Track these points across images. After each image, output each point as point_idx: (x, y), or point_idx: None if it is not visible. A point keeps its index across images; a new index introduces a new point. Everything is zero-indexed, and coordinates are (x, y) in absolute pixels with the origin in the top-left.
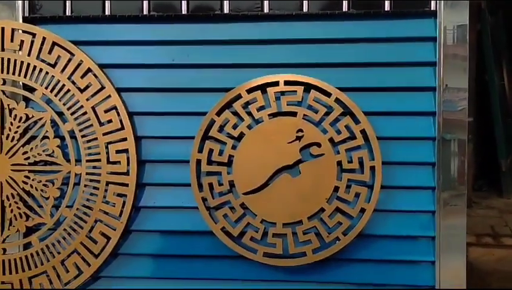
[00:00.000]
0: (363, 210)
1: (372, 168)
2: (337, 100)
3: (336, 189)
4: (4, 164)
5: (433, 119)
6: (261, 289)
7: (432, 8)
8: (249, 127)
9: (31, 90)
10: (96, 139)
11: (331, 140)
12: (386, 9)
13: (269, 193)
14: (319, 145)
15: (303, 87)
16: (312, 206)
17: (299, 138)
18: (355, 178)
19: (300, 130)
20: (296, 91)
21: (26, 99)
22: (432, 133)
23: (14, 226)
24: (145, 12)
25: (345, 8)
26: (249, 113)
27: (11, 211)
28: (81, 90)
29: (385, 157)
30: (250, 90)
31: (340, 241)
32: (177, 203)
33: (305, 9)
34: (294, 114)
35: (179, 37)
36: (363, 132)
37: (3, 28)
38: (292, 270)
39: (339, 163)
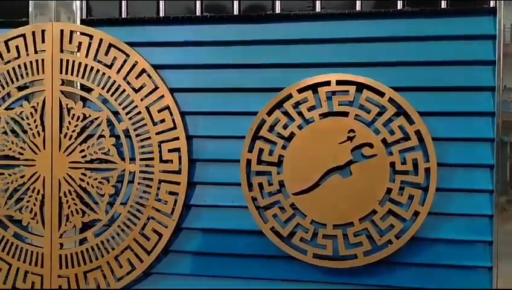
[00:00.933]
0: (416, 213)
1: (427, 170)
2: (391, 100)
3: (389, 191)
4: (62, 161)
5: (491, 120)
6: (310, 289)
7: (491, 6)
8: (300, 127)
9: (88, 90)
10: (149, 138)
11: (383, 141)
12: (442, 7)
13: (319, 194)
14: (371, 145)
15: (355, 86)
16: (363, 208)
17: (350, 139)
18: (409, 180)
19: (352, 131)
20: (348, 91)
21: (84, 99)
22: (490, 135)
23: (71, 222)
24: (198, 13)
25: (399, 6)
26: (300, 113)
27: (68, 207)
28: (136, 91)
29: (440, 159)
30: (301, 90)
31: (392, 245)
32: (227, 202)
33: (358, 8)
34: (345, 114)
35: (231, 37)
36: (417, 132)
37: (62, 30)
38: (342, 272)
39: (392, 164)
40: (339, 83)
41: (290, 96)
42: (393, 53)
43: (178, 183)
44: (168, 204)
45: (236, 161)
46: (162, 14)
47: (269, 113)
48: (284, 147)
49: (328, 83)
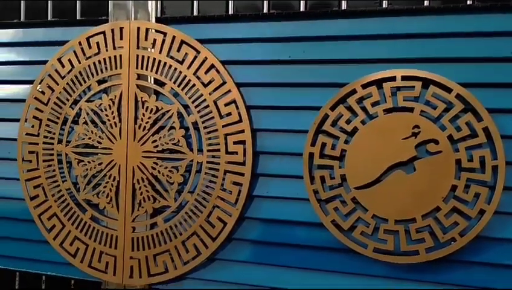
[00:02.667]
0: (482, 211)
1: (494, 168)
2: (458, 96)
3: (454, 188)
4: (136, 150)
5: None
6: None
7: None
8: (363, 122)
9: (161, 84)
10: (216, 130)
11: (449, 137)
12: None
13: (382, 189)
14: (436, 142)
15: (421, 82)
16: (427, 205)
17: (415, 134)
18: (475, 178)
19: (417, 126)
20: (413, 86)
21: (157, 93)
22: None
23: (143, 207)
24: (265, 10)
25: (469, 1)
26: (363, 108)
27: (141, 193)
28: (205, 85)
29: (509, 157)
30: (365, 86)
31: (456, 242)
32: (289, 194)
33: (425, 3)
34: (410, 110)
35: (296, 33)
36: (485, 129)
37: (138, 28)
38: (403, 268)
39: (458, 161)
40: (404, 78)
41: (354, 91)
42: (462, 49)
43: (242, 174)
44: (233, 194)
45: (298, 155)
46: (231, 12)
47: (333, 108)
48: (346, 142)
49: (393, 79)
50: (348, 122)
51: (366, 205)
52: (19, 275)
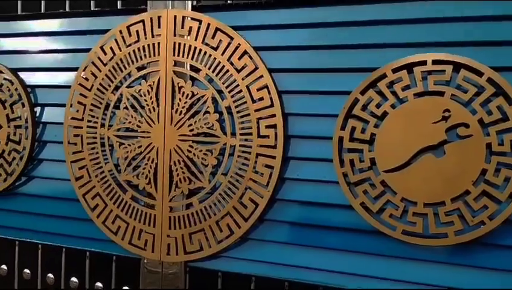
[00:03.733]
0: None
1: None
2: (490, 80)
3: (484, 172)
4: (173, 134)
5: None
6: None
7: None
8: (393, 106)
9: (197, 70)
10: (249, 114)
11: (480, 121)
12: None
13: (411, 172)
14: (466, 126)
15: (452, 66)
16: (456, 188)
17: (445, 118)
18: (506, 161)
19: (447, 110)
20: (444, 70)
21: (192, 79)
22: None
23: (179, 188)
24: None
25: None
26: (394, 93)
27: (177, 175)
28: (238, 71)
29: None
30: (395, 70)
31: (485, 226)
32: (319, 177)
33: None
34: (441, 94)
35: (327, 19)
36: None
37: (175, 16)
38: (431, 250)
39: (488, 145)
40: (435, 62)
41: (384, 75)
42: (493, 32)
43: (274, 157)
44: (264, 176)
45: (328, 138)
46: None
47: (363, 93)
48: (376, 126)
49: (424, 63)
50: (378, 106)
51: (395, 188)
52: (64, 251)
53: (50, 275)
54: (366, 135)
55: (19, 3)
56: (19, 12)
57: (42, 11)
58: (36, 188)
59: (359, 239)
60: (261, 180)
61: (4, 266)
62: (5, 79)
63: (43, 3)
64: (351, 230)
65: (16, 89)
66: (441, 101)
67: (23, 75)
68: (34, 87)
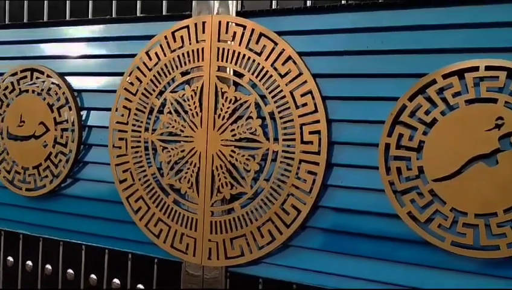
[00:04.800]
0: None
1: None
2: None
3: None
4: (216, 139)
5: None
6: None
7: None
8: (443, 113)
9: (240, 76)
10: (292, 120)
11: None
12: None
13: (461, 181)
14: None
15: (506, 72)
16: (509, 199)
17: (498, 126)
18: None
19: (500, 118)
20: (497, 77)
21: (236, 84)
22: None
23: (221, 193)
24: (343, 1)
25: None
26: (444, 99)
27: (219, 179)
28: (282, 76)
29: None
30: (446, 76)
31: None
32: (363, 185)
33: None
34: (494, 101)
35: (374, 24)
36: None
37: (220, 22)
38: (482, 262)
39: None
40: (488, 68)
41: (433, 81)
42: None
43: (317, 164)
44: (307, 183)
45: (374, 145)
46: (309, 4)
47: (411, 99)
48: (424, 133)
49: (476, 69)
50: (427, 113)
51: (444, 197)
52: (107, 252)
53: (93, 276)
54: (414, 143)
55: (67, 9)
56: (67, 18)
57: (89, 17)
58: (81, 190)
59: (405, 249)
60: (304, 187)
61: (49, 266)
62: (53, 83)
63: (90, 9)
64: (396, 240)
65: (64, 93)
66: (493, 109)
67: (70, 79)
68: (80, 91)
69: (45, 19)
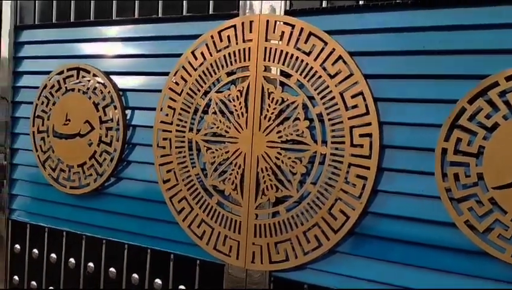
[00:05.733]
0: None
1: None
2: None
3: None
4: (261, 140)
5: None
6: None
7: None
8: (505, 117)
9: (287, 76)
10: (341, 122)
11: None
12: None
13: None
14: None
15: None
16: None
17: None
18: None
19: None
20: None
21: (282, 84)
22: None
23: (266, 195)
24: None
25: None
26: (506, 103)
27: (264, 182)
28: (331, 77)
29: None
30: (509, 78)
31: None
32: (417, 191)
33: None
34: None
35: (431, 23)
36: None
37: (267, 21)
38: None
39: None
40: None
41: (496, 84)
42: None
43: (367, 168)
44: (357, 187)
45: (428, 150)
46: (361, 2)
47: (471, 102)
48: (485, 138)
49: None
50: (488, 117)
51: (505, 206)
52: (150, 252)
53: (135, 275)
54: (473, 148)
55: (114, 9)
56: (114, 17)
57: (136, 17)
58: (124, 189)
59: (461, 260)
60: (353, 192)
61: (91, 264)
62: (98, 82)
63: (136, 9)
64: (452, 250)
65: (109, 92)
66: None
67: (115, 78)
68: (125, 90)
69: (91, 18)
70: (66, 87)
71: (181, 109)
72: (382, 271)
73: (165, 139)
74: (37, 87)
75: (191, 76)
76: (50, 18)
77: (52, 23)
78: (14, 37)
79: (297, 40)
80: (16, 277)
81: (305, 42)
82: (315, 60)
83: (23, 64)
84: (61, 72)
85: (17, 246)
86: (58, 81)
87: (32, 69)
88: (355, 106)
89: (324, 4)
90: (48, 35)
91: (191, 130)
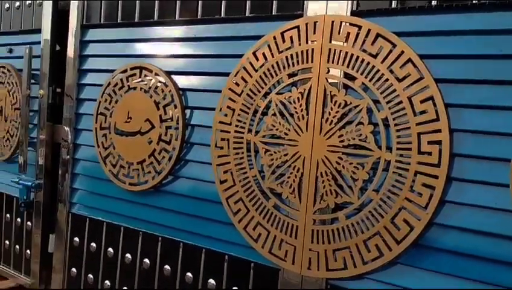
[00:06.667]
0: None
1: None
2: None
3: None
4: (322, 144)
5: None
6: None
7: None
8: None
9: (351, 78)
10: (408, 128)
11: None
12: None
13: None
14: None
15: None
16: None
17: None
18: None
19: None
20: None
21: (346, 87)
22: None
23: (325, 201)
24: (474, 1)
25: None
26: None
27: (324, 187)
28: (399, 80)
29: None
30: None
31: None
32: (489, 203)
33: None
34: None
35: (510, 25)
36: None
37: (333, 22)
38: None
39: None
40: None
41: None
42: None
43: (435, 177)
44: (423, 197)
45: (502, 160)
46: (434, 2)
47: None
48: None
49: None
50: None
51: None
52: (204, 251)
53: (189, 274)
54: None
55: (177, 9)
56: (177, 18)
57: (198, 17)
58: (181, 187)
59: None
60: (419, 201)
61: (146, 260)
62: (160, 81)
63: (200, 9)
64: None
65: (170, 91)
66: None
67: (176, 78)
68: (185, 90)
69: (155, 18)
70: (128, 86)
71: (240, 109)
72: (446, 286)
73: (223, 139)
74: (100, 85)
75: (251, 77)
76: (115, 18)
77: (117, 23)
78: (80, 36)
79: (364, 41)
80: (73, 269)
81: (372, 44)
82: (382, 62)
83: (88, 63)
84: (125, 71)
85: (76, 239)
86: (121, 80)
87: (96, 67)
88: (424, 112)
89: (393, 4)
90: (113, 35)
91: (249, 131)
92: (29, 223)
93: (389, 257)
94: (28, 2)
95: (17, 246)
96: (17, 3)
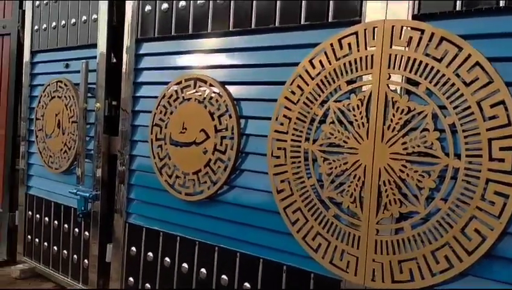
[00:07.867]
0: None
1: None
2: None
3: None
4: (384, 152)
5: None
6: None
7: None
8: None
9: (414, 84)
10: (478, 134)
11: None
12: None
13: None
14: None
15: None
16: None
17: None
18: None
19: None
20: None
21: (408, 93)
22: None
23: (388, 210)
24: None
25: None
26: None
27: (387, 196)
28: (467, 84)
29: None
30: None
31: None
32: None
33: None
34: None
35: None
36: None
37: (393, 27)
38: None
39: None
40: None
41: None
42: None
43: (509, 185)
44: (496, 205)
45: None
46: (502, 4)
47: None
48: None
49: None
50: None
51: None
52: (262, 262)
53: (246, 284)
54: None
55: (231, 19)
56: (231, 28)
57: (252, 27)
58: (238, 197)
59: None
60: (491, 210)
61: (203, 270)
62: (214, 92)
63: (254, 18)
64: None
65: (224, 101)
66: None
67: (230, 88)
68: (239, 99)
69: (208, 29)
70: (183, 97)
71: (297, 118)
72: None
73: (279, 148)
74: (155, 97)
75: (308, 85)
76: (169, 31)
77: (171, 36)
78: (135, 50)
79: (427, 45)
80: (131, 278)
81: (436, 48)
82: (447, 66)
83: (142, 75)
84: (179, 82)
85: (133, 248)
86: (176, 91)
87: (151, 80)
88: (494, 116)
89: (458, 6)
90: (167, 47)
91: (307, 139)
92: (86, 233)
93: (459, 269)
94: (83, 18)
95: (75, 256)
96: (73, 20)
